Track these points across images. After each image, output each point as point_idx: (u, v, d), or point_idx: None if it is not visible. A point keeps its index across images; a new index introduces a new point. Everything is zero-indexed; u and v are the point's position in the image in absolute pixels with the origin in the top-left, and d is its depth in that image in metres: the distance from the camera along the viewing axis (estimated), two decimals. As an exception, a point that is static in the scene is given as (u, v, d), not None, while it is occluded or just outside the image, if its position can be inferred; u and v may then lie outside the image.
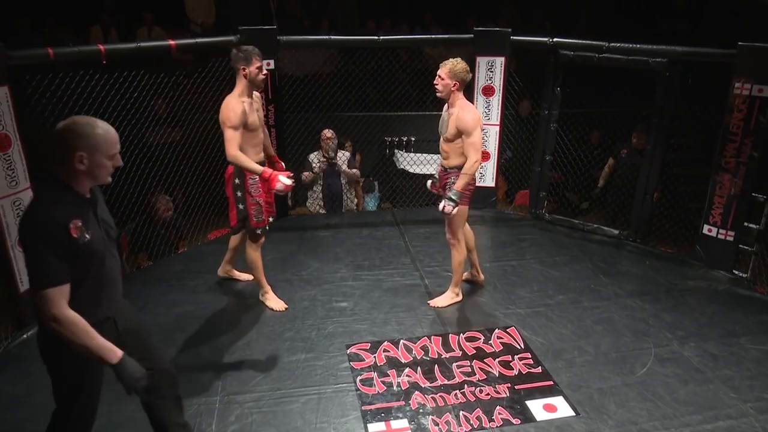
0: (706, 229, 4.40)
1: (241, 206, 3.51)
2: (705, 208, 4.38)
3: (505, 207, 5.83)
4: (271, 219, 3.70)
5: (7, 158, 3.37)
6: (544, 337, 3.52)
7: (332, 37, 5.31)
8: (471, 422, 2.83)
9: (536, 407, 2.94)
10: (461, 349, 3.41)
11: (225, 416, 2.84)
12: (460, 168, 3.49)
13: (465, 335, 3.52)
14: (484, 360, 3.30)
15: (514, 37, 4.99)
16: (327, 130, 5.44)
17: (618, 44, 4.50)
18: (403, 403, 2.97)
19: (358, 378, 3.14)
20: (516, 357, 3.33)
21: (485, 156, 5.25)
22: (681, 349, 3.41)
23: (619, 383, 3.11)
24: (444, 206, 3.46)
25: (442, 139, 3.62)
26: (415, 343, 3.45)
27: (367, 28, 7.29)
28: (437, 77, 3.46)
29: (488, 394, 3.03)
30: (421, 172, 5.97)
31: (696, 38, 5.10)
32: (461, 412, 2.90)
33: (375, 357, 3.32)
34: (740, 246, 4.25)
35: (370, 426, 2.81)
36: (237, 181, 3.46)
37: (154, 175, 4.55)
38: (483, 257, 4.39)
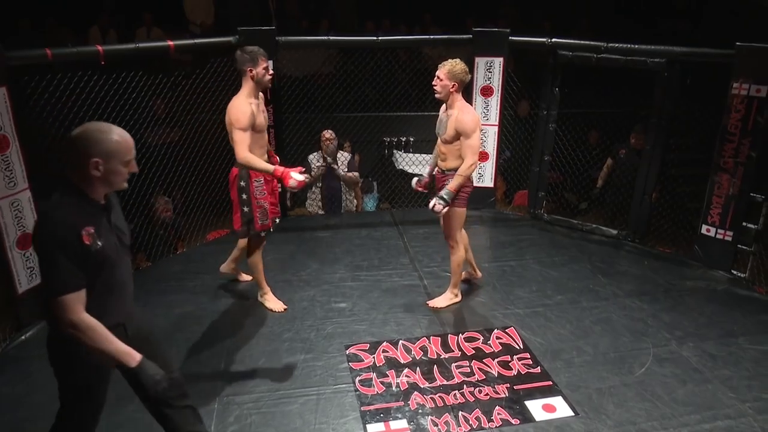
0: (704, 229, 4.41)
1: (245, 209, 3.47)
2: (703, 208, 4.38)
3: (504, 207, 5.83)
4: (277, 220, 3.69)
5: (6, 159, 3.37)
6: (543, 338, 3.52)
7: (331, 37, 5.31)
8: (470, 422, 2.84)
9: (535, 407, 2.94)
10: (460, 349, 3.41)
11: (224, 417, 2.84)
12: (457, 170, 3.49)
13: (464, 336, 3.52)
14: (483, 360, 3.30)
15: (513, 38, 5.00)
16: (327, 131, 5.44)
17: (616, 44, 4.51)
18: (402, 403, 2.97)
19: (357, 378, 3.14)
20: (515, 357, 3.34)
21: (484, 156, 5.26)
22: (679, 349, 3.42)
23: (618, 383, 3.11)
24: (434, 205, 3.44)
25: (439, 140, 3.60)
26: (414, 344, 3.45)
27: (366, 28, 7.29)
28: (436, 78, 3.44)
29: (487, 395, 3.03)
30: (421, 173, 5.97)
31: (696, 38, 5.10)
32: (460, 413, 2.90)
33: (374, 357, 3.33)
34: (738, 246, 4.25)
35: (369, 426, 2.81)
36: (242, 183, 3.42)
37: (153, 176, 4.54)
38: (482, 257, 4.40)
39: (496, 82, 5.10)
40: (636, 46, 4.45)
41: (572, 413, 2.90)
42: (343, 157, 5.58)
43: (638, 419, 2.85)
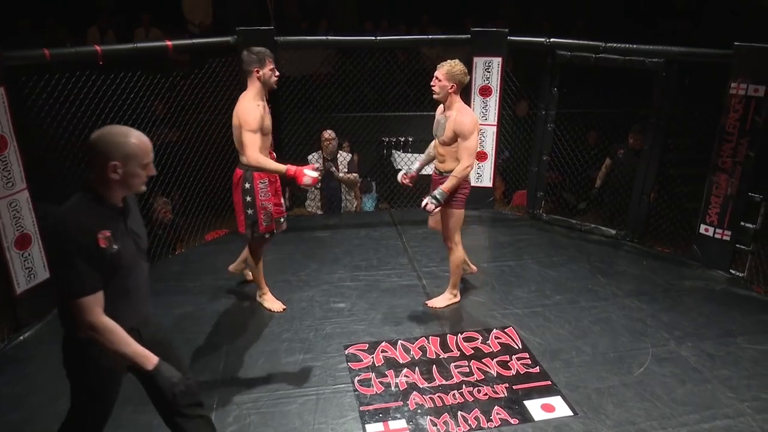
0: (702, 228, 4.41)
1: (250, 211, 3.45)
2: (702, 207, 4.39)
3: (503, 207, 5.83)
4: (281, 219, 3.69)
5: (4, 159, 3.36)
6: (542, 337, 3.52)
7: (329, 37, 5.31)
8: (469, 422, 2.84)
9: (534, 407, 2.94)
10: (459, 349, 3.41)
11: (223, 417, 2.84)
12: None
13: (463, 335, 3.52)
14: (482, 360, 3.30)
15: (512, 38, 5.00)
16: (327, 131, 5.44)
17: (615, 44, 4.51)
18: (401, 403, 2.97)
19: (356, 378, 3.14)
20: (514, 357, 3.34)
21: (483, 156, 5.26)
22: (678, 348, 3.42)
23: (617, 383, 3.11)
24: (426, 204, 3.43)
25: (437, 142, 3.57)
26: (413, 344, 3.45)
27: (365, 28, 7.28)
28: (434, 79, 3.41)
29: (486, 394, 3.03)
30: (421, 173, 5.98)
31: (696, 38, 5.11)
32: (459, 413, 2.90)
33: (373, 357, 3.32)
34: (737, 245, 4.26)
35: (368, 426, 2.81)
36: (247, 185, 3.40)
37: (152, 176, 4.53)
38: (480, 257, 4.40)
39: (495, 82, 5.10)
40: (634, 46, 4.46)
41: (571, 413, 2.90)
42: (343, 157, 5.58)
43: (637, 419, 2.85)
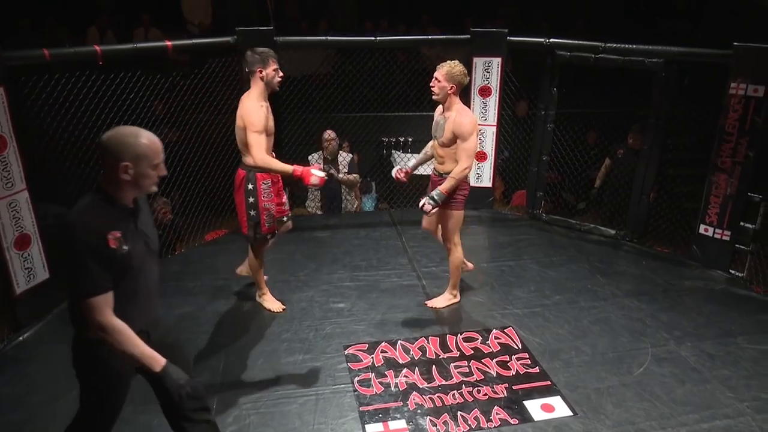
0: (702, 228, 4.41)
1: (252, 212, 3.44)
2: (701, 207, 4.39)
3: (503, 207, 5.84)
4: (284, 218, 3.68)
5: (3, 160, 3.36)
6: (542, 338, 3.52)
7: (329, 38, 5.31)
8: (469, 422, 2.84)
9: (534, 407, 2.94)
10: (459, 349, 3.41)
11: (223, 418, 2.83)
12: None
13: (462, 336, 3.53)
14: (482, 360, 3.31)
15: (511, 38, 5.00)
16: (328, 132, 5.44)
17: (614, 45, 4.52)
18: (401, 403, 2.97)
19: (356, 379, 3.14)
20: (513, 357, 3.34)
21: (482, 156, 5.26)
22: (678, 348, 3.42)
23: (617, 383, 3.11)
24: (424, 204, 3.43)
25: (436, 143, 3.55)
26: (412, 344, 3.45)
27: (365, 28, 7.28)
28: (434, 79, 3.38)
29: (486, 395, 3.03)
30: (420, 173, 5.98)
31: (696, 38, 5.11)
32: (459, 413, 2.90)
33: (372, 358, 3.32)
34: (736, 245, 4.26)
35: (368, 427, 2.81)
36: (250, 186, 3.39)
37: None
38: (480, 258, 4.40)
39: (495, 83, 5.10)
40: (634, 47, 4.46)
41: (571, 413, 2.90)
42: (343, 158, 5.58)
43: (637, 419, 2.86)
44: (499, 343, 3.47)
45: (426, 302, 3.87)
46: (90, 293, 1.83)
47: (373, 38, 5.05)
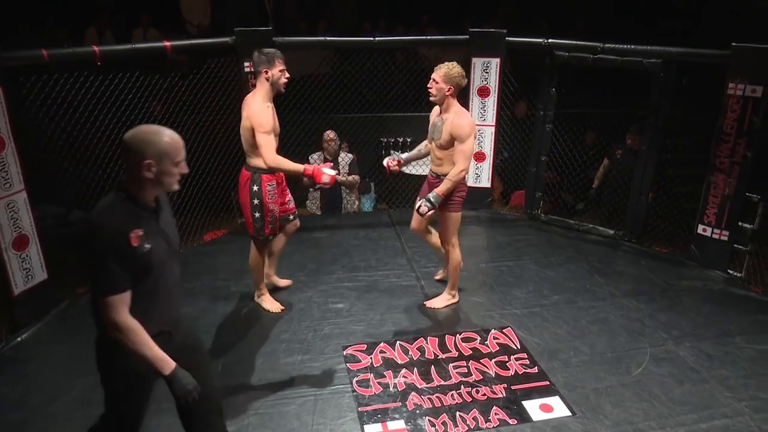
0: (700, 228, 4.42)
1: (257, 214, 3.43)
2: (699, 208, 4.40)
3: (501, 207, 5.83)
4: (290, 217, 3.68)
5: (2, 160, 3.36)
6: (540, 338, 3.53)
7: (328, 38, 5.30)
8: (468, 423, 2.84)
9: (533, 407, 2.95)
10: (457, 349, 3.41)
11: (221, 418, 2.84)
12: None
13: (461, 336, 3.53)
14: (481, 360, 3.31)
15: (510, 38, 5.00)
16: (329, 132, 5.44)
17: (613, 45, 4.52)
18: (400, 404, 2.97)
19: (355, 379, 3.14)
20: (512, 357, 3.34)
21: (481, 157, 5.27)
22: (676, 348, 3.43)
23: (615, 383, 3.12)
24: (420, 206, 3.42)
25: (433, 145, 3.52)
26: (411, 344, 3.45)
27: (364, 29, 7.29)
28: (431, 81, 3.34)
29: (485, 395, 3.03)
30: (418, 173, 5.98)
31: (696, 38, 5.10)
32: (458, 413, 2.90)
33: (371, 358, 3.33)
34: (735, 246, 4.27)
35: (366, 427, 2.81)
36: (255, 188, 3.38)
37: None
38: (479, 258, 4.41)
39: (493, 83, 5.10)
40: (632, 47, 4.46)
41: (569, 413, 2.90)
42: (344, 158, 5.57)
43: (635, 419, 2.86)
44: (497, 343, 3.48)
45: (425, 303, 3.88)
46: (109, 292, 1.84)
47: (371, 38, 5.04)
